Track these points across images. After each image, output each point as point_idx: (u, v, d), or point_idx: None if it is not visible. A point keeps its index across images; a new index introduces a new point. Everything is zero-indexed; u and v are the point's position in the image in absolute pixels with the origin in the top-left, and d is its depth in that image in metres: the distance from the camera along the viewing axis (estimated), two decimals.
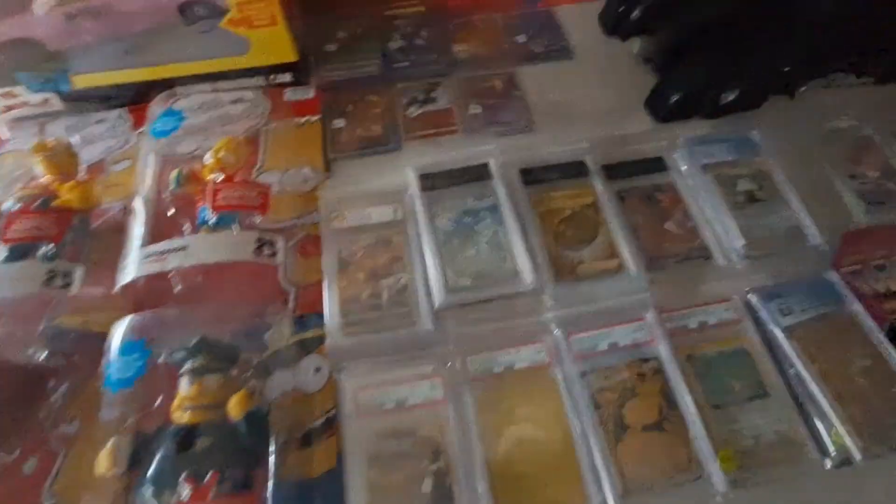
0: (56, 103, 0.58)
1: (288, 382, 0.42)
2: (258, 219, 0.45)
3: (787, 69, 0.55)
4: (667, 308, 0.44)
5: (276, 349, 0.44)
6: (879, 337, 0.43)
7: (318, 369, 0.43)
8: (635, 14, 0.59)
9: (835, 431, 0.39)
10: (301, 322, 0.45)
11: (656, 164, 0.53)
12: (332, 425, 0.40)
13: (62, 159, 0.48)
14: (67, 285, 0.40)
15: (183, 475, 0.31)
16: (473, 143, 0.53)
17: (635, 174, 0.53)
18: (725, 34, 0.56)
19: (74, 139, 0.56)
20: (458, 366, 0.41)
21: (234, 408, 0.34)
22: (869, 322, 0.43)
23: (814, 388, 0.40)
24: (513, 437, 0.39)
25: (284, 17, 0.50)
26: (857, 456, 0.37)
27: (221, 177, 0.43)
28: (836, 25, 0.57)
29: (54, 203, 0.45)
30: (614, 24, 0.62)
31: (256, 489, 0.33)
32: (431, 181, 0.49)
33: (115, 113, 0.59)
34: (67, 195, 0.45)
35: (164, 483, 0.31)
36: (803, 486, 0.38)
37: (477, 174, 0.49)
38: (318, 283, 0.46)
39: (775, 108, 0.58)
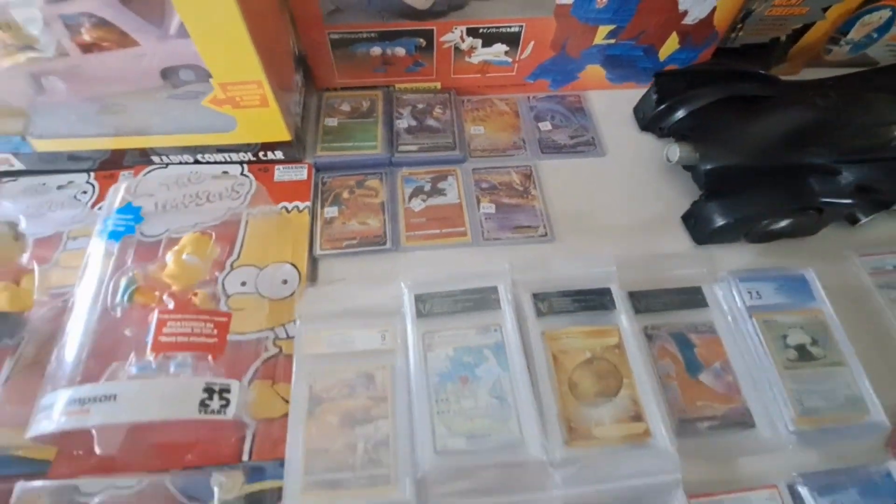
0: (16, 163, 0.54)
1: None
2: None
3: (852, 201, 0.51)
4: (699, 493, 0.39)
5: (224, 501, 0.39)
6: None
7: None
8: (680, 115, 0.56)
9: None
10: (257, 470, 0.40)
11: (693, 298, 0.49)
12: None
13: (4, 248, 0.44)
14: None
15: None
16: (483, 257, 0.49)
17: (668, 308, 0.48)
18: (784, 153, 0.52)
19: (26, 208, 0.52)
20: None
21: None
22: None
23: None
24: None
25: (276, 97, 0.47)
26: None
27: (172, 303, 0.39)
28: None
29: None
30: (651, 120, 0.59)
31: None
32: (429, 305, 0.44)
33: (82, 178, 0.56)
34: None
35: None
36: None
37: (483, 301, 0.45)
38: (284, 420, 0.41)
39: (832, 237, 0.54)
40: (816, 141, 0.52)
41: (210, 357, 0.37)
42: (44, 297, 0.46)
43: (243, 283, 0.48)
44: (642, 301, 0.48)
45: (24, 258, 0.46)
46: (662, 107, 0.57)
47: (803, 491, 0.39)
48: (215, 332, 0.38)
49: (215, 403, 0.34)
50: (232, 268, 0.49)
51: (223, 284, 0.47)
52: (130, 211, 0.44)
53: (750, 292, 0.48)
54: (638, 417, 0.41)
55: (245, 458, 0.40)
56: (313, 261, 0.51)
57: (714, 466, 0.41)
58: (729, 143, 0.52)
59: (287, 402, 0.42)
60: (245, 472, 0.40)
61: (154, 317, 0.37)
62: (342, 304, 0.46)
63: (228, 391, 0.35)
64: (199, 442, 0.40)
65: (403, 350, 0.43)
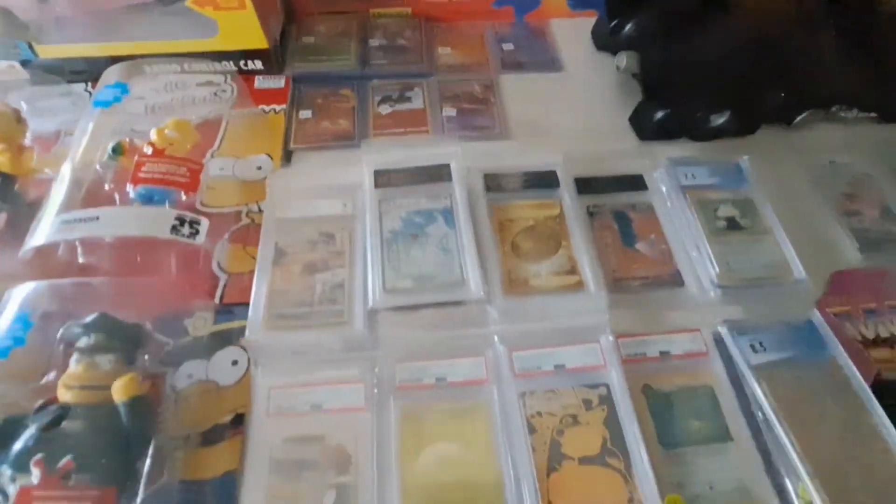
0: (21, 72, 0.60)
1: (200, 372, 0.41)
2: (196, 201, 0.45)
3: (783, 95, 0.55)
4: (626, 333, 0.43)
5: (195, 337, 0.43)
6: (863, 388, 0.40)
7: (235, 362, 0.42)
8: (628, 29, 0.61)
9: (802, 487, 0.36)
10: (226, 311, 0.44)
11: (634, 182, 0.53)
12: (240, 424, 0.39)
13: (6, 125, 0.49)
14: None
15: (34, 458, 0.30)
16: (440, 145, 0.53)
17: (610, 190, 0.52)
18: (721, 55, 0.57)
19: (30, 108, 0.57)
20: (385, 372, 0.40)
21: (119, 390, 0.33)
22: (853, 371, 0.41)
23: (783, 436, 0.38)
24: (433, 456, 0.37)
25: (253, 2, 0.52)
26: None
27: (150, 150, 0.44)
28: (840, 65, 0.59)
29: None
30: (605, 39, 0.64)
31: (120, 485, 0.31)
32: (386, 178, 0.49)
33: (80, 87, 0.62)
34: None
35: (21, 465, 0.30)
36: None
37: (436, 175, 0.50)
38: (252, 274, 0.46)
39: (770, 137, 0.59)
40: (751, 56, 0.57)
41: (183, 194, 0.42)
42: (40, 175, 0.52)
43: (221, 168, 0.53)
44: (587, 185, 0.53)
45: (26, 140, 0.51)
46: (614, 23, 0.62)
47: (723, 330, 0.43)
48: (188, 174, 0.43)
49: (185, 230, 0.39)
50: (212, 156, 0.54)
51: (204, 172, 0.52)
52: (118, 86, 0.49)
53: (686, 174, 0.52)
54: (573, 272, 0.46)
55: (216, 301, 0.45)
56: (287, 154, 0.56)
57: (643, 318, 0.45)
58: (669, 49, 0.57)
59: (255, 261, 0.47)
60: (215, 313, 0.44)
61: (136, 158, 0.42)
62: (310, 181, 0.51)
63: (199, 224, 0.40)
64: (176, 289, 0.45)
65: (362, 216, 0.48)
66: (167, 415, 0.38)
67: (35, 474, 0.30)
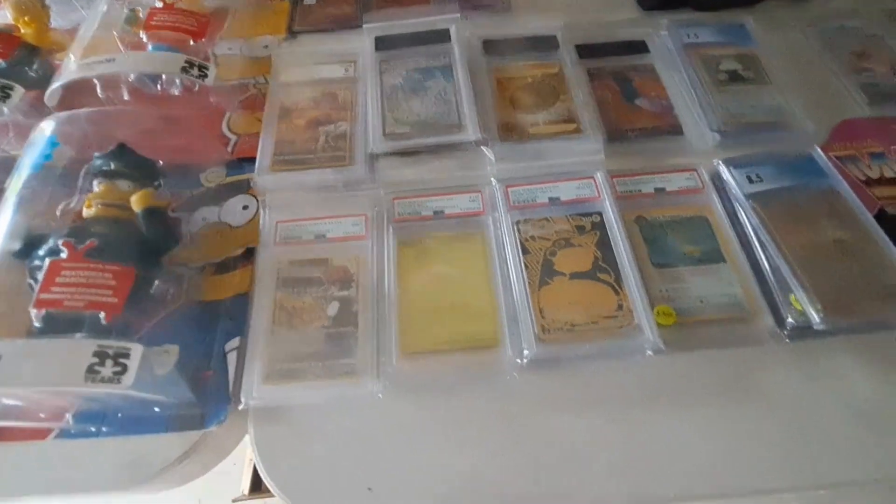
0: None
1: (213, 216, 0.43)
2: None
3: None
4: (621, 172, 0.43)
5: (208, 187, 0.45)
6: (862, 211, 0.40)
7: (245, 207, 0.44)
8: None
9: (794, 297, 0.36)
10: (237, 165, 0.46)
11: (636, 47, 0.52)
12: (251, 256, 0.41)
13: (32, 6, 0.51)
14: (5, 98, 0.42)
15: (62, 240, 0.32)
16: (440, 14, 0.53)
17: (611, 54, 0.52)
18: None
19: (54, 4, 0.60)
20: (384, 206, 0.41)
21: (137, 202, 0.35)
22: (852, 197, 0.40)
23: (774, 252, 0.37)
24: (430, 274, 0.38)
25: None
26: (817, 320, 0.34)
27: (161, 4, 0.45)
28: None
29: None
30: None
31: (139, 269, 0.34)
32: (387, 42, 0.50)
33: None
34: (23, 28, 0.48)
35: (52, 251, 0.33)
36: (750, 352, 0.36)
37: (435, 37, 0.50)
38: (260, 134, 0.47)
39: (777, 8, 0.56)
40: None
41: (191, 40, 0.44)
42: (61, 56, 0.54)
43: (230, 48, 0.55)
44: (587, 50, 0.52)
45: (50, 22, 0.53)
46: None
47: (720, 166, 0.42)
48: (196, 24, 0.44)
49: (195, 71, 0.41)
50: (220, 38, 0.55)
51: (213, 51, 0.54)
52: None
53: (688, 34, 0.51)
54: (570, 120, 0.46)
55: (228, 156, 0.47)
56: (292, 35, 0.56)
57: (641, 163, 0.45)
58: None
59: (262, 123, 0.48)
60: (227, 168, 0.46)
61: (147, 12, 0.43)
62: (315, 49, 0.52)
63: (207, 68, 0.42)
64: (193, 147, 0.47)
65: (363, 77, 0.48)
66: (184, 250, 0.41)
67: (64, 252, 0.32)
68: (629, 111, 0.48)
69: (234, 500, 0.79)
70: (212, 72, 0.42)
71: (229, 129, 0.48)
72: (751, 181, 0.41)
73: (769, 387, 0.35)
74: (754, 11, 0.55)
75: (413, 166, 0.44)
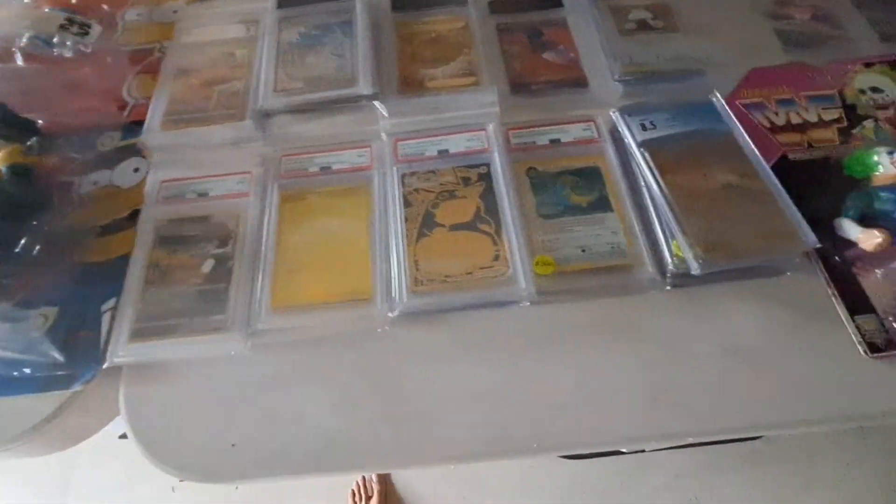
0: None
1: (104, 179, 0.42)
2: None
3: None
4: (517, 125, 0.42)
5: (102, 151, 0.44)
6: (757, 160, 0.38)
7: (136, 169, 0.43)
8: None
9: (675, 243, 0.35)
10: (131, 129, 0.45)
11: (550, 1, 0.50)
12: (136, 218, 0.40)
13: None
14: None
15: None
16: None
17: (524, 9, 0.50)
18: None
19: None
20: (271, 164, 0.40)
21: (2, 158, 0.35)
22: (747, 143, 0.39)
23: (659, 199, 0.36)
24: (311, 229, 0.37)
25: None
26: (695, 265, 0.33)
27: None
28: None
29: None
30: None
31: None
32: (291, 0, 0.48)
33: None
34: None
35: None
36: (633, 299, 0.35)
37: None
38: None
39: None
40: None
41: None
42: None
43: (138, 14, 0.53)
44: (500, 5, 0.50)
45: None
46: None
47: (615, 115, 0.41)
48: None
49: (75, 28, 0.40)
50: (132, 4, 0.54)
51: (122, 15, 0.52)
52: None
53: None
54: (470, 74, 0.44)
55: (124, 119, 0.45)
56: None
57: (544, 114, 0.43)
58: None
59: None
60: (122, 132, 0.45)
61: None
62: (221, 10, 0.50)
63: (89, 26, 0.41)
64: (88, 110, 0.46)
65: (262, 37, 0.47)
66: (72, 212, 0.40)
67: None
68: (536, 64, 0.46)
69: None
70: (95, 30, 0.41)
71: (129, 94, 0.47)
72: (644, 128, 0.39)
73: (647, 333, 0.34)
74: None
75: (305, 123, 0.42)
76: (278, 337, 0.34)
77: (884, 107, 0.43)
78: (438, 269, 0.35)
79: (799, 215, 0.35)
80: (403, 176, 0.39)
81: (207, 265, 0.36)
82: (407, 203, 0.37)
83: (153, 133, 0.42)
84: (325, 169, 0.40)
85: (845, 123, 0.42)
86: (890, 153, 0.37)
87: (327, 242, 0.36)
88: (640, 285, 0.35)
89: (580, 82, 0.45)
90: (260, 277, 0.35)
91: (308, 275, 0.35)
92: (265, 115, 0.42)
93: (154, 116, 0.42)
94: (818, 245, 0.34)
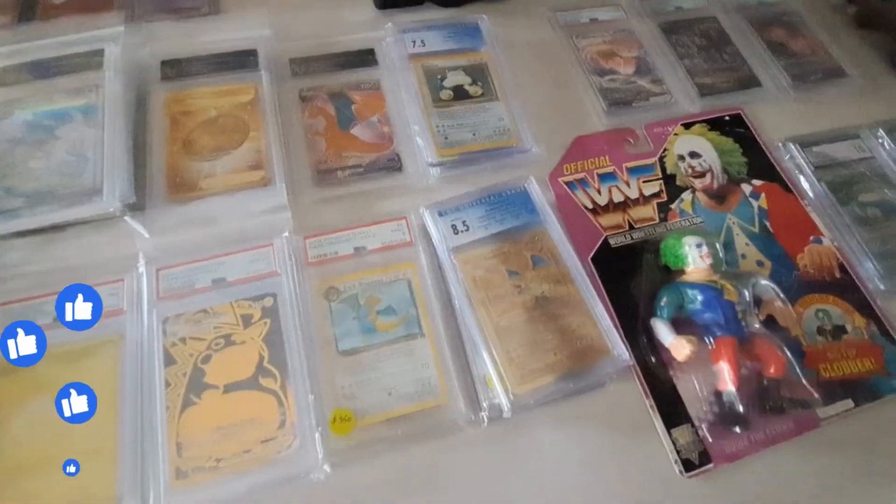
0: None
1: None
2: None
3: None
4: (317, 232, 0.35)
5: None
6: (571, 259, 0.35)
7: None
8: None
9: (489, 378, 0.31)
10: None
11: (363, 59, 0.43)
12: None
13: None
14: None
15: None
16: (100, 26, 0.41)
17: (332, 70, 0.42)
18: None
19: None
20: None
21: None
22: (561, 240, 0.36)
23: (472, 324, 0.32)
24: (36, 411, 0.28)
25: None
26: (507, 407, 0.30)
27: None
28: None
29: None
30: None
31: None
32: (14, 75, 0.37)
33: None
34: None
35: None
36: (443, 441, 0.31)
37: (82, 63, 0.37)
38: None
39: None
40: None
41: None
42: None
43: None
44: (304, 66, 0.42)
45: None
46: None
47: (425, 214, 0.36)
48: None
49: None
50: None
51: None
52: None
53: (414, 41, 0.43)
54: (258, 166, 0.36)
55: None
56: None
57: (350, 212, 0.37)
58: None
59: None
60: None
61: None
62: None
63: None
64: None
65: None
66: None
67: None
68: (344, 143, 0.39)
69: None
70: None
71: None
72: (456, 231, 0.35)
73: (462, 479, 0.30)
74: (504, 3, 0.49)
75: (34, 253, 0.33)
76: None
77: (701, 174, 0.42)
78: (207, 452, 0.28)
79: (612, 327, 0.33)
80: (166, 320, 0.31)
81: None
82: (169, 360, 0.30)
83: None
84: (57, 320, 0.30)
85: (664, 198, 0.41)
86: (699, 246, 0.35)
87: (54, 431, 0.28)
88: (454, 426, 0.31)
89: (394, 165, 0.39)
90: None
91: (35, 479, 0.27)
92: None
93: None
94: (630, 363, 0.32)
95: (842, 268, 0.39)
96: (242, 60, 0.40)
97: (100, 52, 0.38)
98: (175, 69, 0.39)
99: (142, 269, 0.32)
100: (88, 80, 0.37)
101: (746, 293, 0.35)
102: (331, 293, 0.33)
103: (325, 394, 0.30)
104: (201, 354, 0.30)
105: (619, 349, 0.32)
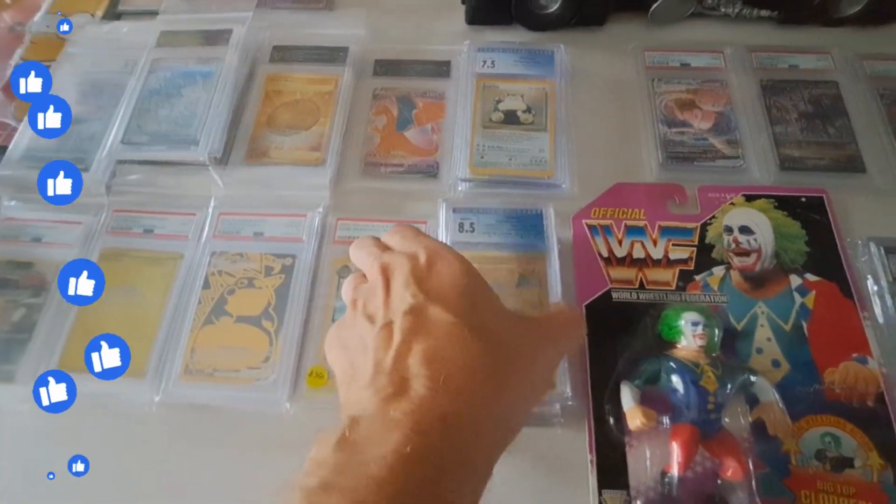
0: None
1: None
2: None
3: None
4: (351, 216, 0.41)
5: None
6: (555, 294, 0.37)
7: None
8: None
9: None
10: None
11: (439, 69, 0.48)
12: None
13: None
14: None
15: None
16: (233, 11, 0.50)
17: (410, 75, 0.48)
18: None
19: None
20: (101, 219, 0.42)
21: None
22: (554, 273, 0.37)
23: None
24: (117, 293, 0.39)
25: None
26: None
27: None
28: None
29: None
30: None
31: None
32: (169, 38, 0.48)
33: None
34: None
35: None
36: None
37: (216, 38, 0.48)
38: None
39: (625, 32, 0.50)
40: None
41: None
42: None
43: (48, 26, 0.55)
44: (386, 67, 0.49)
45: None
46: None
47: (443, 206, 0.39)
48: None
49: None
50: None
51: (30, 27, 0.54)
52: None
53: (485, 61, 0.46)
54: (317, 148, 0.44)
55: None
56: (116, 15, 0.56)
57: (385, 206, 0.42)
58: None
59: None
60: None
61: None
62: (112, 36, 0.51)
63: None
64: None
65: (133, 77, 0.48)
66: None
67: None
68: (395, 142, 0.45)
69: None
70: None
71: (13, 116, 0.49)
72: (461, 229, 0.38)
73: None
74: (597, 33, 0.50)
75: (148, 180, 0.43)
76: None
77: (745, 253, 0.40)
78: (209, 361, 0.36)
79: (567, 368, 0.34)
80: (213, 254, 0.40)
81: (18, 314, 0.39)
82: (206, 285, 0.39)
83: (10, 164, 0.44)
84: (148, 232, 0.41)
85: (691, 266, 0.40)
86: (695, 324, 0.34)
87: (125, 310, 0.38)
88: None
89: (431, 172, 0.43)
90: (59, 337, 0.38)
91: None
92: (113, 164, 0.44)
93: (15, 150, 0.45)
94: (572, 403, 0.33)
95: (880, 398, 0.35)
96: (334, 55, 0.48)
97: (228, 32, 0.48)
98: (281, 53, 0.48)
99: (210, 210, 0.41)
100: (215, 53, 0.47)
101: (730, 386, 0.34)
102: (343, 271, 0.39)
103: (309, 350, 0.37)
104: (228, 287, 0.39)
105: (565, 388, 0.33)
